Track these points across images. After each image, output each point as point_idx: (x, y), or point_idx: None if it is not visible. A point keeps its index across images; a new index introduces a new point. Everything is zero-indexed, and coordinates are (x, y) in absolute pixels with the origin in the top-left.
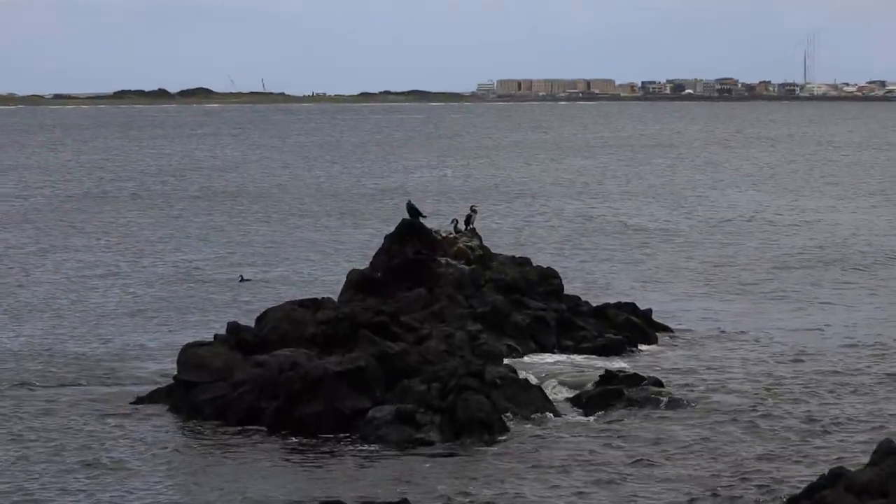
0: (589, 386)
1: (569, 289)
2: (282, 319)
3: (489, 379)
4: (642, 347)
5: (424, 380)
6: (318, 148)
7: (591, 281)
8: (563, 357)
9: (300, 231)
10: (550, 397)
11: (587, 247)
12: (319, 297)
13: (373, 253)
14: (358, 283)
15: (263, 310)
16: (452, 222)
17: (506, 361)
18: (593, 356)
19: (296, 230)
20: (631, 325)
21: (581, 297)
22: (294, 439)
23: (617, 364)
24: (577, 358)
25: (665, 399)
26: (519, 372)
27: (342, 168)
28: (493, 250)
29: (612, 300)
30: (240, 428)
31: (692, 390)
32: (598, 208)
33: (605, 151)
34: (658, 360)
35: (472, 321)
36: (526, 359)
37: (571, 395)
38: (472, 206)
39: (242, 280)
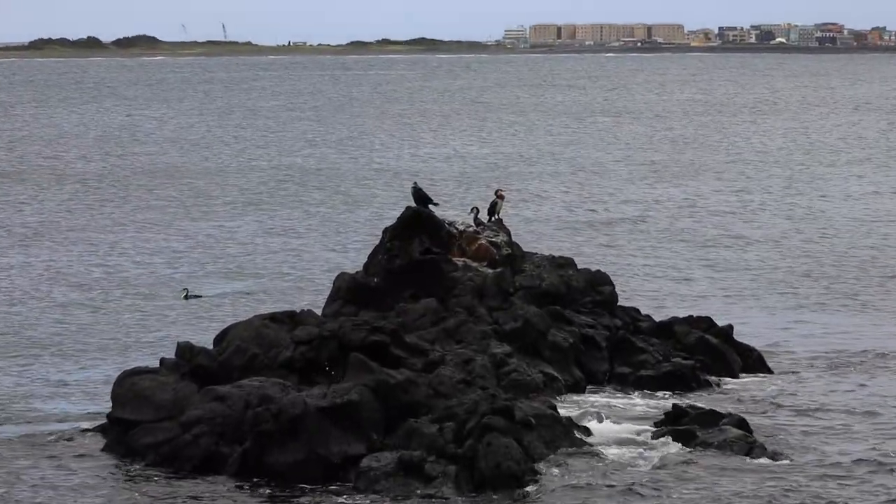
0: (651, 426)
1: (624, 299)
2: (249, 339)
3: (520, 418)
4: (721, 377)
5: (436, 419)
6: (293, 114)
7: (653, 289)
8: (617, 388)
9: (270, 223)
10: (600, 441)
11: (647, 243)
12: (297, 308)
13: (367, 252)
14: (348, 291)
15: (224, 326)
16: (472, 211)
17: (542, 395)
18: (657, 388)
19: (265, 222)
20: (706, 347)
21: (640, 309)
22: (265, 491)
23: (688, 398)
24: (636, 390)
25: (752, 445)
26: (559, 408)
27: (325, 141)
28: (525, 247)
29: (681, 313)
30: (195, 479)
31: (788, 434)
32: (661, 193)
33: (670, 119)
34: (742, 393)
35: (498, 342)
36: (568, 391)
37: (628, 439)
38: (497, 192)
39: (188, 297)
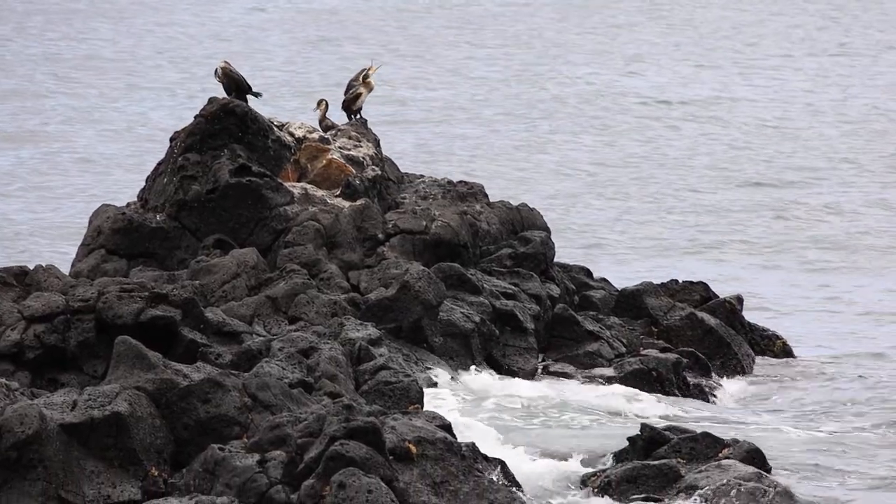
0: (607, 457)
1: (564, 254)
2: None
3: (393, 444)
4: (724, 377)
5: (255, 444)
6: None
7: (623, 241)
8: (551, 392)
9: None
10: (525, 481)
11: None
12: (30, 263)
13: (143, 174)
14: (113, 234)
15: None
16: (318, 106)
17: (431, 406)
18: (615, 391)
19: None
20: (700, 331)
21: (591, 269)
22: None
23: (668, 413)
24: (582, 394)
25: (770, 490)
26: (455, 429)
27: None
28: (403, 166)
29: (661, 275)
30: None
31: (822, 471)
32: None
33: None
34: (754, 406)
35: (359, 320)
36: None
37: (565, 480)
38: (361, 73)
39: None
